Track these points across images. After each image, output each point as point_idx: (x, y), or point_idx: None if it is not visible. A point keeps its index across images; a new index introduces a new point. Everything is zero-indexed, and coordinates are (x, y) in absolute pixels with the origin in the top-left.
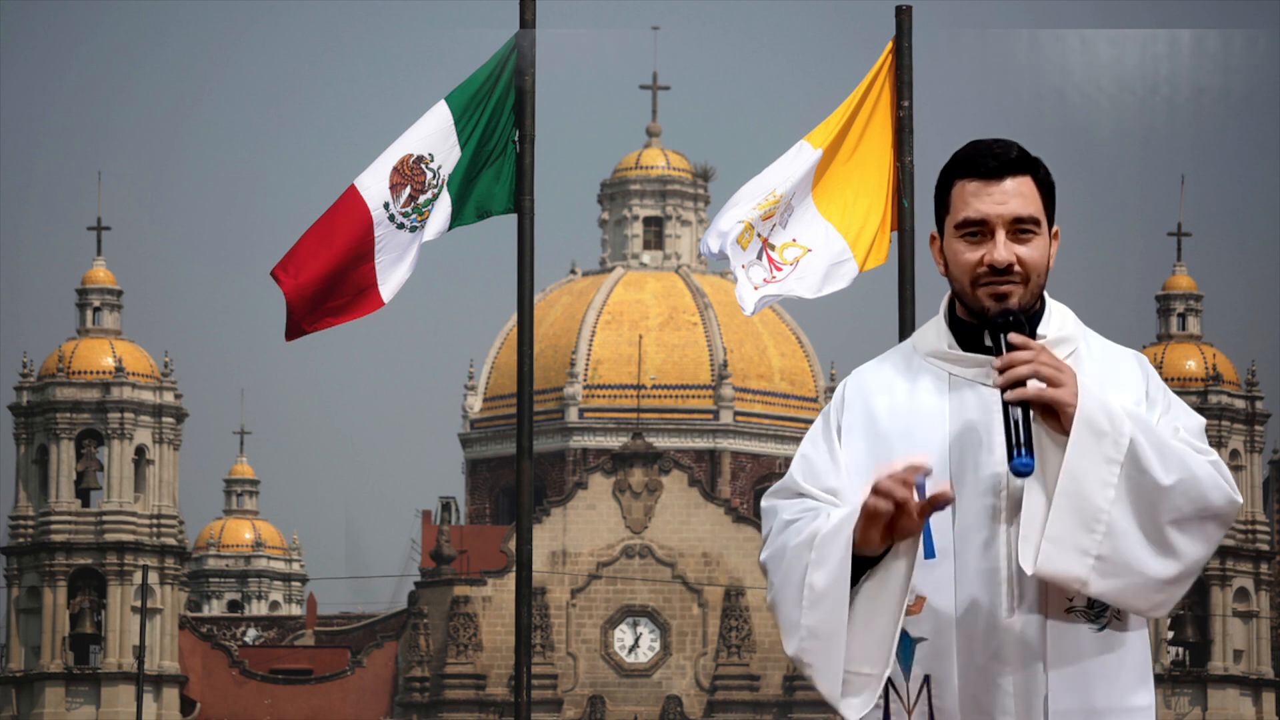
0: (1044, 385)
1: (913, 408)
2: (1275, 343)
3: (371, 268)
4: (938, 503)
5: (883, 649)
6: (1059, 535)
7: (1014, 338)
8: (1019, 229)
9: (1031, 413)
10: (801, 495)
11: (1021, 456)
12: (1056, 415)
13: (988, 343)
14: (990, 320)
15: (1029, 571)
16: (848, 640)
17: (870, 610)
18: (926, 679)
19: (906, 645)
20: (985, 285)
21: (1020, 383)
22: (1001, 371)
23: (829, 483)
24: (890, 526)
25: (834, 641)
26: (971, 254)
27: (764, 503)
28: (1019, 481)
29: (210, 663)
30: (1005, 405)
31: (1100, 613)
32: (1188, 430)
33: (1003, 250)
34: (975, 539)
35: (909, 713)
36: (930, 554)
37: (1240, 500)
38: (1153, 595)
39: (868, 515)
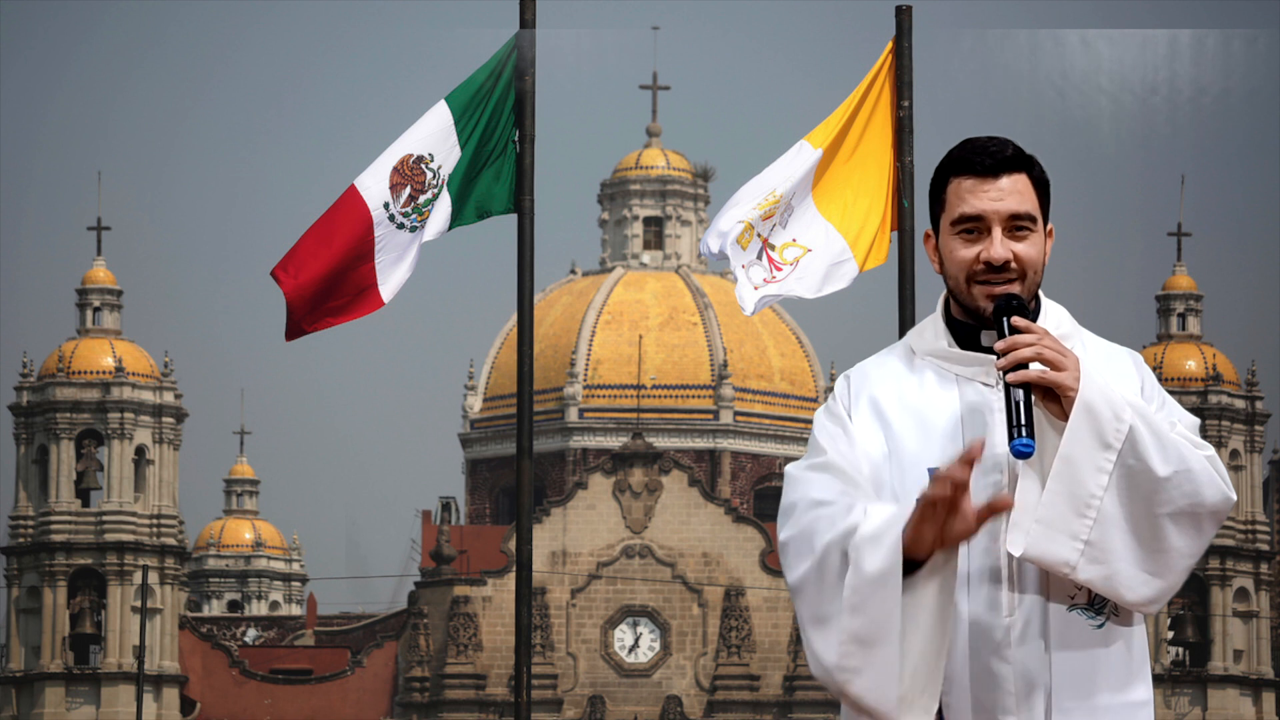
0: (1046, 369)
1: (920, 398)
2: (1275, 343)
3: (371, 268)
4: (998, 508)
5: (926, 673)
6: (1050, 518)
7: (1017, 322)
8: (1015, 226)
9: (1033, 396)
10: (827, 468)
11: (1022, 438)
12: (1058, 400)
13: (986, 342)
14: (994, 304)
15: (1016, 554)
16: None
17: (912, 628)
18: None
19: None
20: (981, 283)
21: (1023, 365)
22: (1004, 353)
23: (846, 451)
24: (941, 530)
25: (883, 649)
26: (967, 251)
27: (788, 469)
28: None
29: (210, 663)
30: (1007, 387)
31: (1100, 608)
32: (1185, 425)
33: (999, 247)
34: (979, 539)
35: None
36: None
37: (1234, 497)
38: (1140, 587)
39: (924, 510)
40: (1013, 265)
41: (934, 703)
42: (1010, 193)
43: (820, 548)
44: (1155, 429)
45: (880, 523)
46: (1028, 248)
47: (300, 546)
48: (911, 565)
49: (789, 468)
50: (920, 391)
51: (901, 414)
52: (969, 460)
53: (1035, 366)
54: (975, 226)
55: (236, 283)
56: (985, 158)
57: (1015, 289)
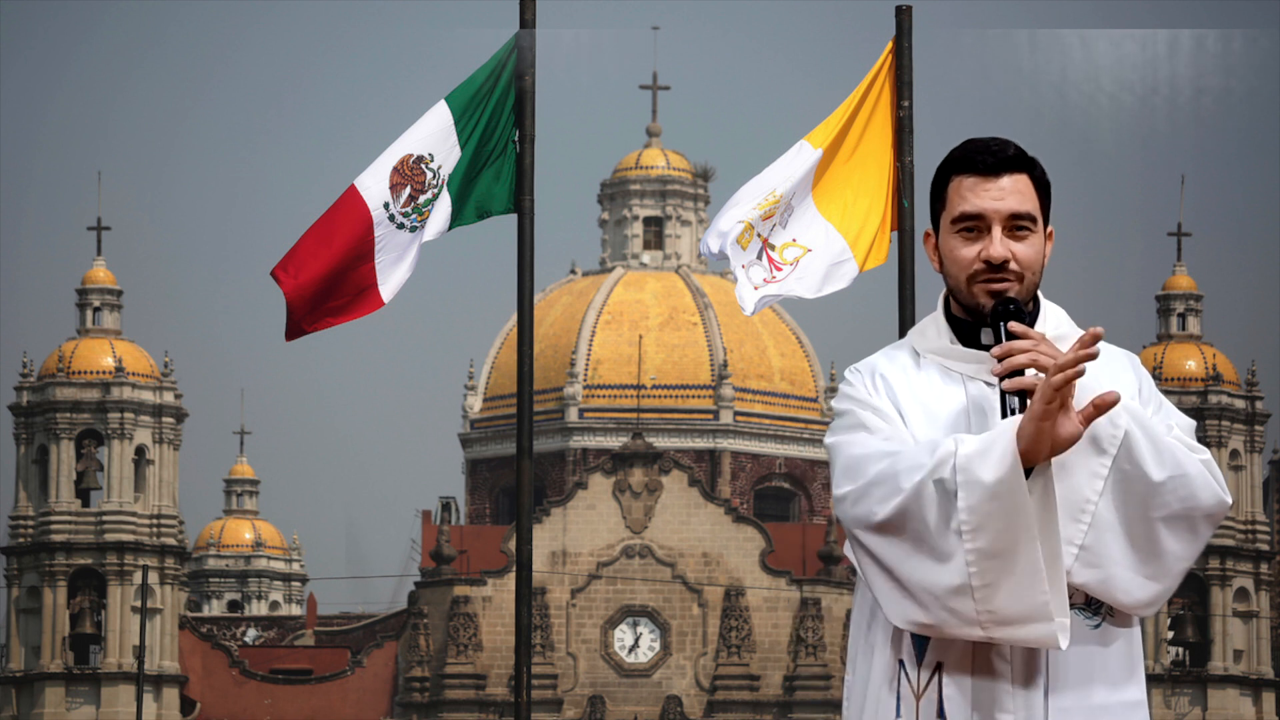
0: (1042, 375)
1: (928, 392)
2: (1275, 343)
3: (371, 268)
4: (1103, 406)
5: (1047, 581)
6: None
7: (1014, 327)
8: (1015, 225)
9: (1029, 402)
10: (874, 427)
11: None
12: None
13: (985, 340)
14: (991, 307)
15: None
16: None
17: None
18: (939, 666)
19: None
20: (981, 281)
21: (1019, 372)
22: (1000, 360)
23: (877, 419)
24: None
25: (1023, 553)
26: (968, 250)
27: (828, 441)
28: None
29: (210, 663)
30: (1003, 393)
31: (1097, 609)
32: (1181, 429)
33: (999, 246)
34: None
35: (917, 699)
36: None
37: (1230, 501)
38: (1136, 591)
39: (1045, 400)
40: (1012, 265)
41: (1066, 610)
42: (1011, 192)
43: (912, 486)
44: (1151, 434)
45: (982, 440)
46: (1026, 248)
47: (300, 546)
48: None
49: (828, 440)
50: (928, 387)
51: (912, 403)
52: (1089, 341)
53: (1031, 372)
54: (975, 225)
55: (236, 283)
56: (987, 156)
57: (1014, 288)
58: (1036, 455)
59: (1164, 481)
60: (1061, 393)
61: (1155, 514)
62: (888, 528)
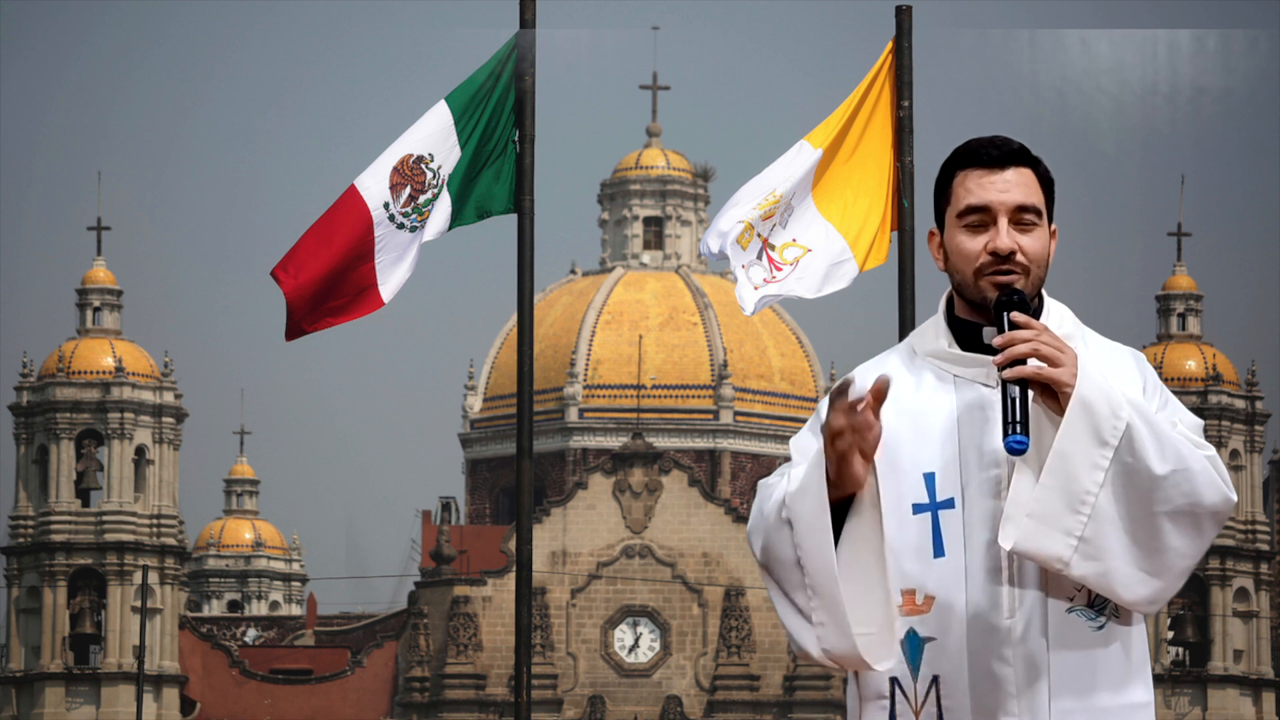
0: (1044, 365)
1: (918, 401)
2: (1275, 343)
3: (371, 268)
4: (880, 391)
5: (877, 605)
6: (1043, 513)
7: (1016, 317)
8: (1021, 218)
9: (1031, 393)
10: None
11: (1016, 434)
12: (1056, 396)
13: (989, 341)
14: (995, 298)
15: (1007, 548)
16: (847, 601)
17: (854, 565)
18: (935, 679)
19: (915, 645)
20: (988, 275)
21: (1020, 361)
22: (1001, 349)
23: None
24: (864, 454)
25: (832, 592)
26: (974, 243)
27: (760, 481)
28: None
29: (210, 663)
30: (1003, 382)
31: (1101, 608)
32: (1186, 426)
33: (1005, 237)
34: (980, 536)
35: (916, 714)
36: (939, 552)
37: (1235, 498)
38: (1137, 586)
39: (832, 444)
40: (1018, 257)
41: (894, 643)
42: (1016, 185)
43: (765, 527)
44: (1154, 427)
45: (801, 473)
46: (1032, 241)
47: (300, 546)
48: (845, 503)
49: (761, 481)
50: (917, 393)
51: (897, 418)
52: (845, 404)
53: (1033, 362)
54: (982, 219)
55: (236, 283)
56: (992, 150)
57: (1020, 281)
58: (851, 477)
59: (1166, 475)
60: (849, 439)
61: (1158, 508)
62: (764, 565)
